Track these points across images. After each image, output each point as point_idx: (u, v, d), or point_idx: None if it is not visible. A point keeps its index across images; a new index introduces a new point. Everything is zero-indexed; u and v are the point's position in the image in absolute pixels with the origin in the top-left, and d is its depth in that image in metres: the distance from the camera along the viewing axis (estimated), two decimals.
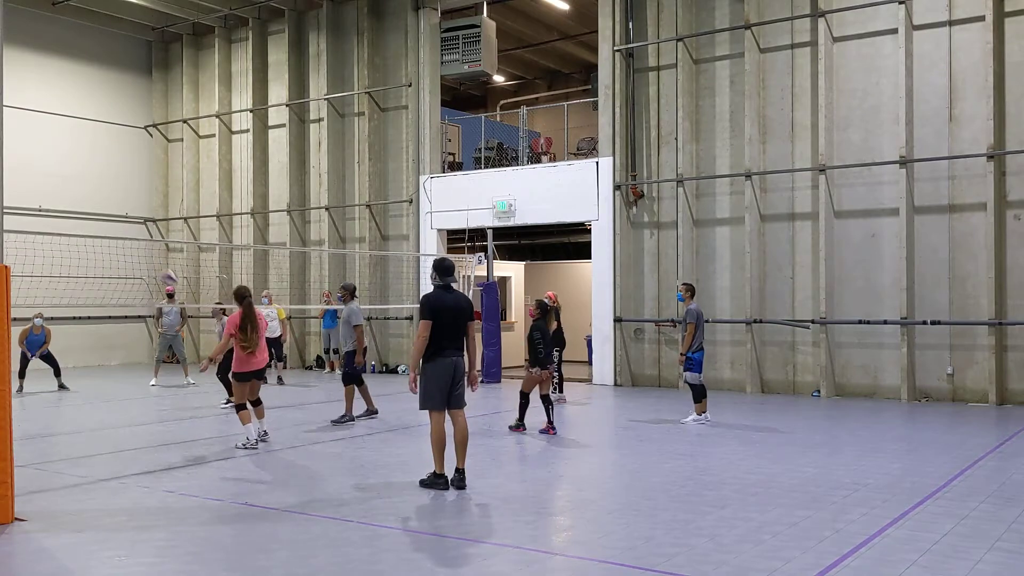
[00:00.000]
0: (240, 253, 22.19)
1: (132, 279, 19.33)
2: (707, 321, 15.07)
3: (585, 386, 16.67)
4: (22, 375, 15.87)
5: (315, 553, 5.79)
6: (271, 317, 16.45)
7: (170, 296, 17.35)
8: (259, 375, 9.99)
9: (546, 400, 10.93)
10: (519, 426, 11.01)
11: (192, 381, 16.87)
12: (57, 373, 16.10)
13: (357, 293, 12.78)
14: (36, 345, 15.92)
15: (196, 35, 23.32)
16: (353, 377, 11.97)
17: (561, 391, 14.36)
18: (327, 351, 19.63)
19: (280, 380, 17.13)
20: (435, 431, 7.60)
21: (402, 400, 14.15)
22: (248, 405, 9.88)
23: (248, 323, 9.73)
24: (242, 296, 9.95)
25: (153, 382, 16.87)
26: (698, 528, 6.36)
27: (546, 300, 14.21)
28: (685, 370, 11.71)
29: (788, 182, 15.30)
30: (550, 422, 10.82)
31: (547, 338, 10.93)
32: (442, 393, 7.58)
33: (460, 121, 22.00)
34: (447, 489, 7.53)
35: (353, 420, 11.93)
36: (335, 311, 19.27)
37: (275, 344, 16.50)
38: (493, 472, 8.40)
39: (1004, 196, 13.50)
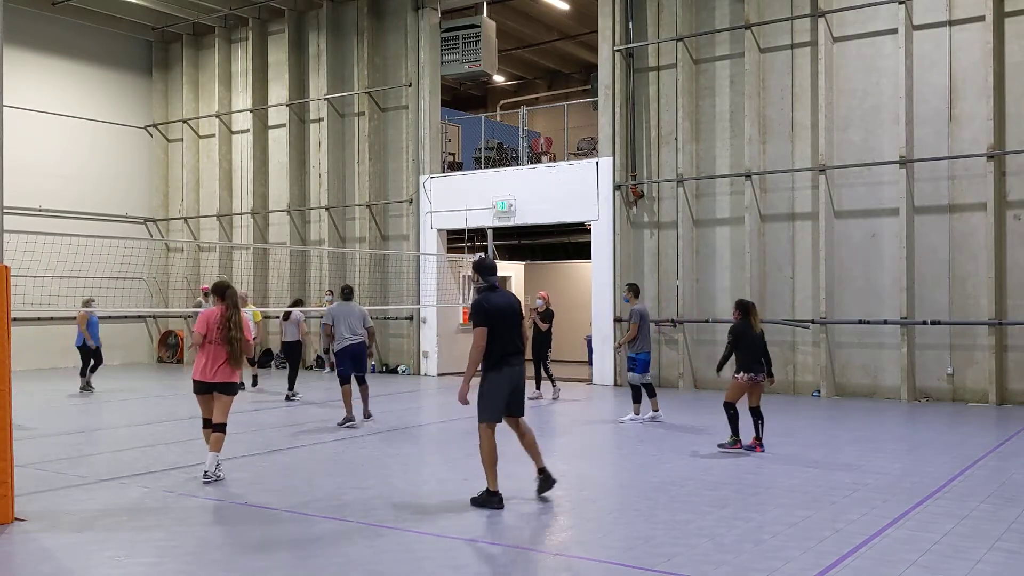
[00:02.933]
0: (240, 253, 22.19)
1: (132, 279, 19.36)
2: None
3: (585, 386, 16.66)
4: (90, 371, 15.74)
5: (315, 553, 5.79)
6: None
7: (206, 295, 17.45)
8: (223, 389, 7.99)
9: (755, 413, 9.51)
10: (734, 442, 9.50)
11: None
12: (84, 372, 15.96)
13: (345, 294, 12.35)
14: (96, 327, 15.89)
15: (196, 35, 23.31)
16: (344, 377, 11.77)
17: (554, 386, 14.42)
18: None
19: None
20: (486, 446, 6.99)
21: (403, 400, 14.14)
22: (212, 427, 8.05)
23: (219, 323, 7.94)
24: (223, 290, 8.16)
25: None
26: (698, 528, 6.36)
27: (539, 301, 14.18)
28: (628, 370, 11.87)
29: (788, 182, 15.30)
30: (758, 438, 9.48)
31: (747, 339, 9.51)
32: (499, 405, 7.04)
33: (460, 121, 22.00)
34: (502, 508, 6.88)
35: (353, 420, 11.61)
36: None
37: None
38: None
39: (1004, 196, 13.50)
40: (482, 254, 18.35)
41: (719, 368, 9.82)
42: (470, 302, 18.70)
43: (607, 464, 9.27)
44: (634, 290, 12.19)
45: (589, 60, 23.36)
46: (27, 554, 5.89)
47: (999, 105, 13.45)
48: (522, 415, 7.29)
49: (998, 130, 13.44)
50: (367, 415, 11.95)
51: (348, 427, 11.38)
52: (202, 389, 7.98)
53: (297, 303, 15.97)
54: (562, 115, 20.15)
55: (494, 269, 7.32)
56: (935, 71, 14.01)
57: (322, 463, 9.07)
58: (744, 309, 9.71)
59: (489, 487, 6.99)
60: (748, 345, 9.50)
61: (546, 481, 7.31)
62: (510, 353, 7.05)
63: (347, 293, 11.99)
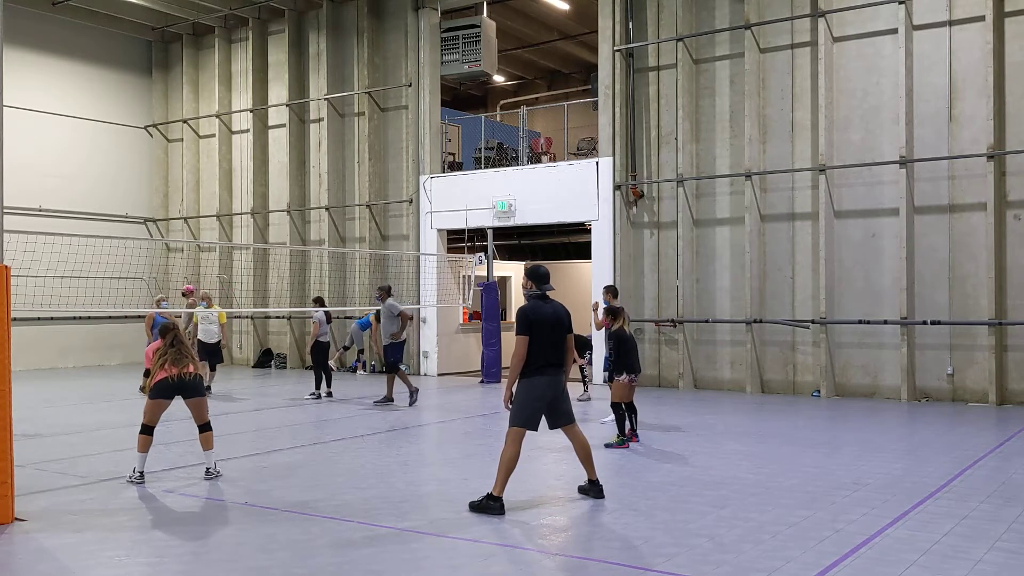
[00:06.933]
0: (240, 253, 22.20)
1: (132, 279, 19.36)
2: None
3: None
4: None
5: (315, 553, 5.79)
6: (210, 320, 15.46)
7: (184, 295, 17.12)
8: (194, 390, 8.18)
9: (631, 408, 10.07)
10: (623, 441, 9.91)
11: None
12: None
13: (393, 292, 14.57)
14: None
15: (196, 35, 23.32)
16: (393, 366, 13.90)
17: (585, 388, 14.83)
18: (361, 349, 19.50)
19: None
20: (509, 451, 6.90)
21: (403, 400, 14.14)
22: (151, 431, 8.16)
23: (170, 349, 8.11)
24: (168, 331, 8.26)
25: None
26: (698, 528, 6.36)
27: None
28: (604, 369, 11.99)
29: (788, 182, 15.30)
30: (633, 430, 10.08)
31: (628, 342, 10.10)
32: (533, 412, 6.98)
33: (460, 121, 22.00)
34: (502, 514, 6.77)
35: (391, 401, 13.83)
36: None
37: (213, 351, 15.41)
38: (493, 472, 8.39)
39: (1004, 196, 13.50)
40: (483, 252, 18.37)
41: (612, 376, 10.12)
42: (470, 302, 18.88)
43: (607, 464, 9.26)
44: (612, 291, 12.27)
45: (589, 60, 23.37)
46: (27, 554, 5.89)
47: (999, 105, 13.45)
48: (570, 423, 7.25)
49: (998, 130, 13.44)
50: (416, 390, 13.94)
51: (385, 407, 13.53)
52: (166, 393, 8.05)
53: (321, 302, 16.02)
54: (562, 115, 20.15)
55: (547, 277, 7.15)
56: (935, 71, 14.01)
57: (322, 463, 9.07)
58: (614, 313, 10.38)
59: (494, 491, 6.89)
60: (630, 347, 10.11)
61: (595, 494, 7.38)
62: (548, 364, 6.98)
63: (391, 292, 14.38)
